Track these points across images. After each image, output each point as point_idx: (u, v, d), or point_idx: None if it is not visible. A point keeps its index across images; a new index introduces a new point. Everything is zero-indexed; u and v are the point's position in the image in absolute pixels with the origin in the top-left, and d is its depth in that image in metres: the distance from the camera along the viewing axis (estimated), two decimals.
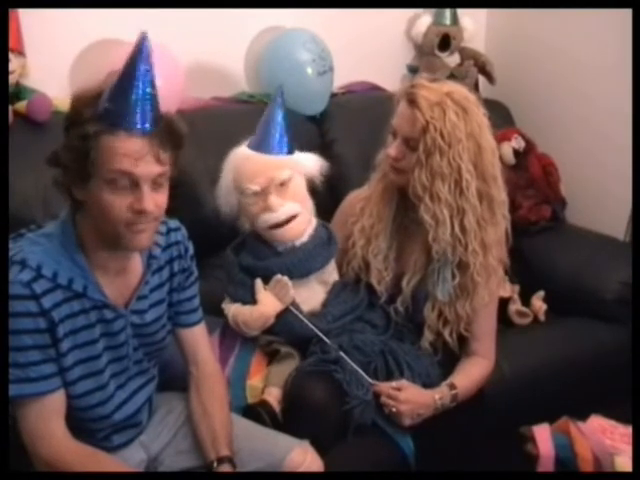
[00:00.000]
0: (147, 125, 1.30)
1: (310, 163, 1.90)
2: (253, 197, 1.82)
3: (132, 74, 1.29)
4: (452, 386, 1.82)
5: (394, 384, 1.76)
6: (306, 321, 1.79)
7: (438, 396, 1.78)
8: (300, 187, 1.86)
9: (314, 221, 1.91)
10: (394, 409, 1.73)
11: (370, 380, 1.76)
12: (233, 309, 1.82)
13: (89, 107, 1.30)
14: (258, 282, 1.81)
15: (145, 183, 1.31)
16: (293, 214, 1.83)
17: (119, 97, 1.29)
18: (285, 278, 1.79)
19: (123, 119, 1.28)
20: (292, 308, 1.80)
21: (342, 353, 1.76)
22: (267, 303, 1.79)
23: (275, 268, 1.81)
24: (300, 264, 1.83)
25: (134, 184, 1.31)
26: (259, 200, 1.81)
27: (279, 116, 1.83)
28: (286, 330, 1.82)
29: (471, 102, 1.77)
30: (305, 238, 1.86)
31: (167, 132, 1.34)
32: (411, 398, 1.74)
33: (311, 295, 1.88)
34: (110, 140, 1.28)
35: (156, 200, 1.34)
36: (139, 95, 1.29)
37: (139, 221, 1.33)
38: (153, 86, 1.31)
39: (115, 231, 1.34)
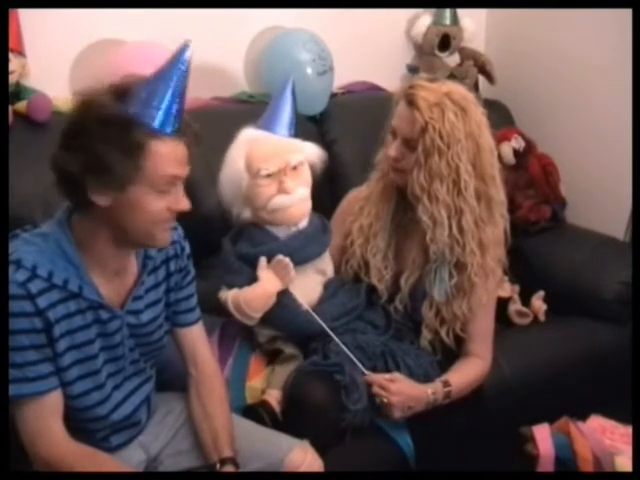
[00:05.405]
0: (180, 127, 1.33)
1: (314, 152, 1.92)
2: (266, 179, 1.81)
3: (173, 78, 1.31)
4: (446, 383, 1.81)
5: (387, 376, 1.75)
6: (303, 304, 1.80)
7: (431, 391, 1.77)
8: (308, 172, 1.88)
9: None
10: (385, 400, 1.72)
11: (364, 370, 1.75)
12: (232, 293, 1.81)
13: (117, 110, 1.27)
14: (262, 260, 1.80)
15: (181, 183, 1.36)
16: (304, 198, 1.86)
17: (161, 101, 1.29)
18: (287, 259, 1.78)
19: (168, 123, 1.30)
20: (290, 291, 1.80)
21: (336, 338, 1.76)
22: (269, 280, 1.78)
23: (276, 252, 1.80)
24: (301, 249, 1.83)
25: (172, 185, 1.34)
26: (273, 182, 1.81)
27: (290, 101, 1.86)
28: (283, 316, 1.81)
29: (470, 101, 1.77)
30: (305, 223, 1.88)
31: (190, 132, 1.36)
32: (403, 390, 1.73)
33: (309, 285, 1.88)
34: (158, 145, 1.29)
35: None
36: (178, 98, 1.31)
37: (171, 220, 1.39)
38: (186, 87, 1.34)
39: (147, 231, 1.36)
